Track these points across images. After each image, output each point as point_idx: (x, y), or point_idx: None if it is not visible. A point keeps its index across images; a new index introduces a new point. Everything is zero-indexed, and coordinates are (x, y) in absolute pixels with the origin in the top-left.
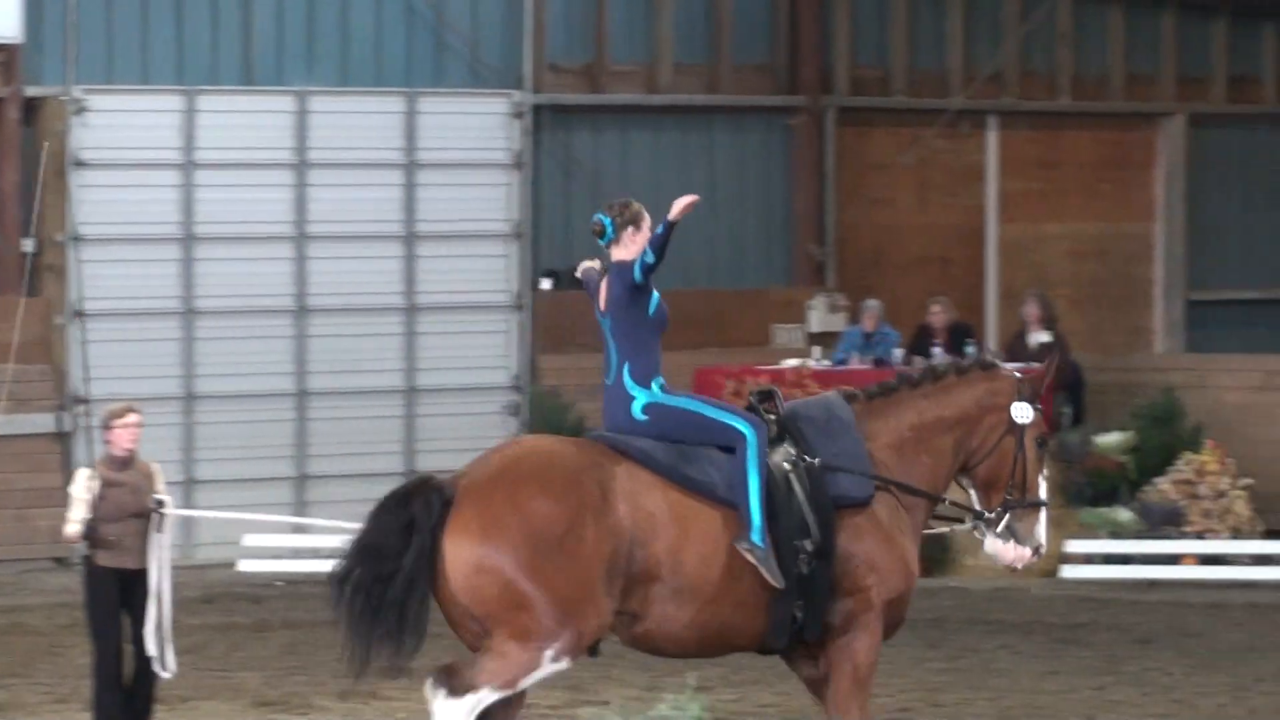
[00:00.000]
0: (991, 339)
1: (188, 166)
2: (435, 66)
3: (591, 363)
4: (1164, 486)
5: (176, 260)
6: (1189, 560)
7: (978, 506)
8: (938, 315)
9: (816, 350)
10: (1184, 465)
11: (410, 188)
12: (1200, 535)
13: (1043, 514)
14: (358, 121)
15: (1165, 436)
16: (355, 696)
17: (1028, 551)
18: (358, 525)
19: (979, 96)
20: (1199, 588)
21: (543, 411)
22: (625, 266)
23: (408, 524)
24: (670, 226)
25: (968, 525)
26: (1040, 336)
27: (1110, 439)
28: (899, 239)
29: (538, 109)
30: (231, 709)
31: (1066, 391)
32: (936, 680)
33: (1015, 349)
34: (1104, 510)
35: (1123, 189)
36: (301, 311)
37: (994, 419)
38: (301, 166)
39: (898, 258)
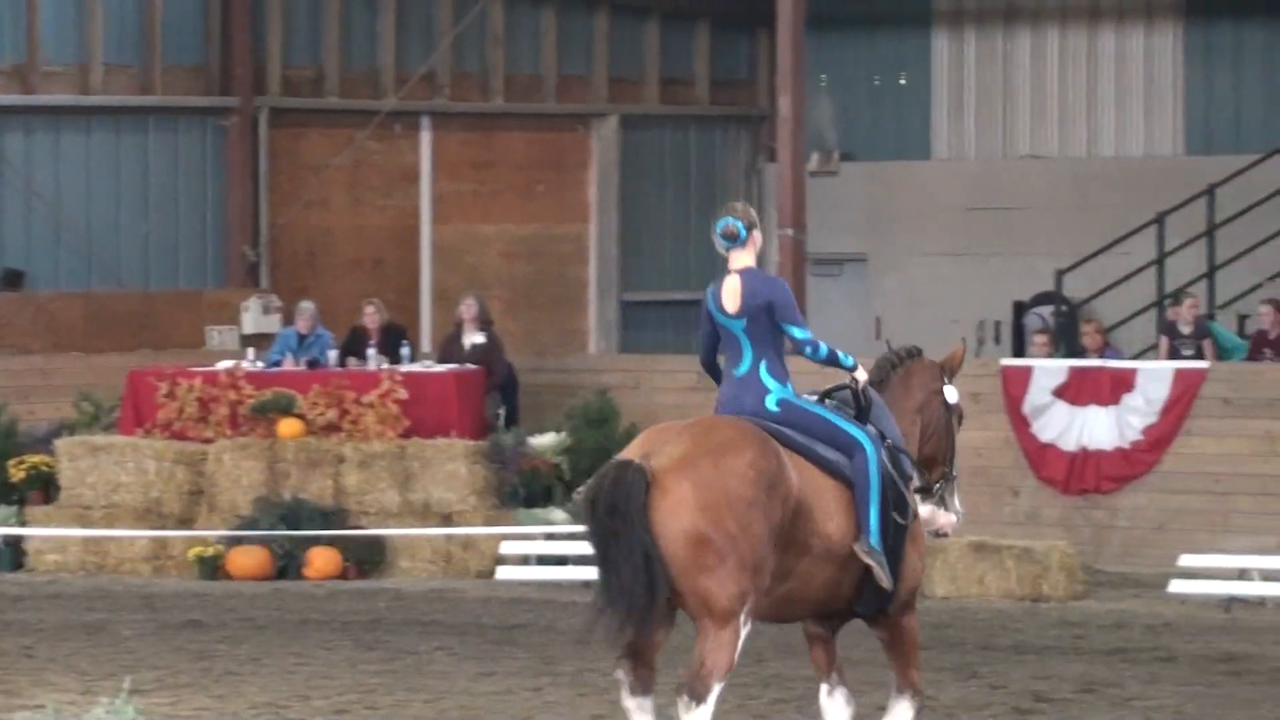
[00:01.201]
0: (426, 340)
1: None
2: None
3: (22, 365)
4: None
5: None
6: None
7: (918, 481)
8: (371, 317)
9: (250, 352)
10: None
11: None
12: None
13: (956, 484)
14: None
15: (599, 438)
16: None
17: (954, 518)
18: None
19: (412, 97)
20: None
21: None
22: (765, 282)
23: (615, 506)
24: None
25: None
26: (475, 338)
27: (545, 440)
28: (333, 240)
29: None
30: None
31: (500, 392)
32: (373, 682)
33: (450, 350)
34: (539, 511)
35: (557, 190)
36: None
37: (937, 401)
38: None
39: (332, 259)
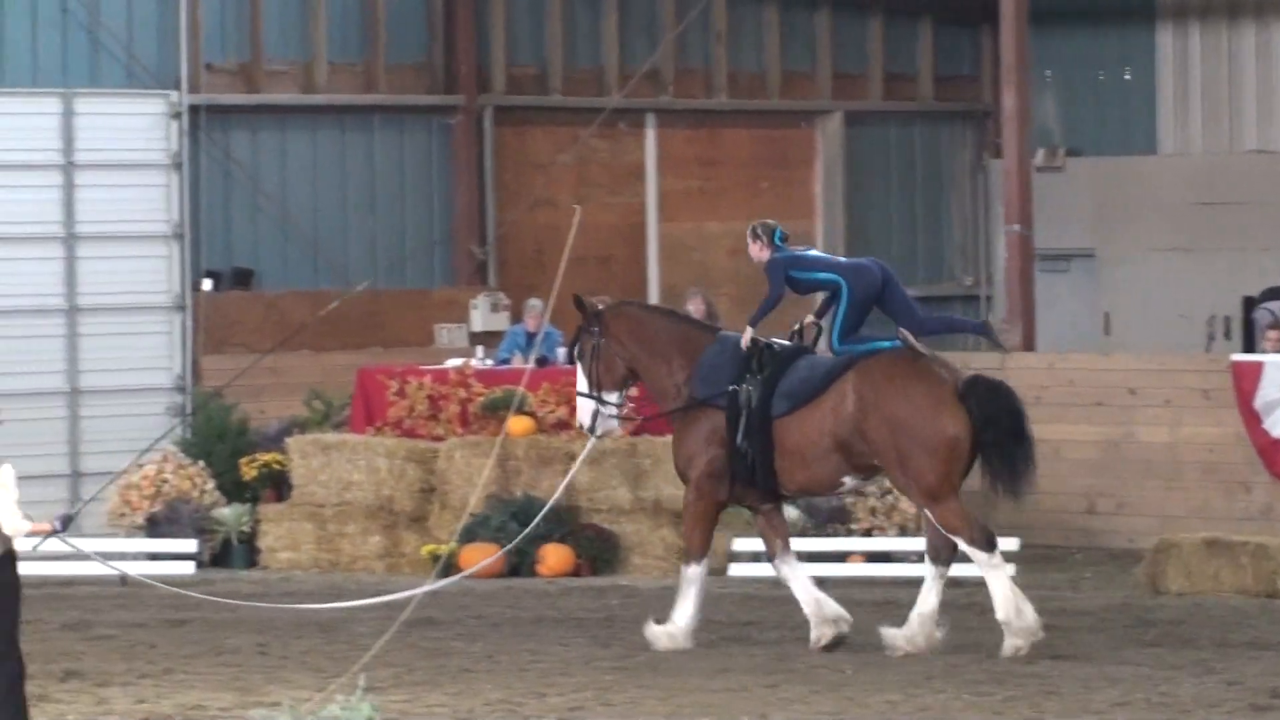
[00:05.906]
0: None
1: None
2: (91, 67)
3: (252, 364)
4: None
5: None
6: (856, 558)
7: None
8: None
9: (479, 350)
10: None
11: (69, 189)
12: (867, 533)
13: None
14: (15, 123)
15: None
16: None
17: None
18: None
19: (636, 95)
20: (867, 585)
21: (206, 412)
22: None
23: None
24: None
25: None
26: None
27: None
28: (560, 238)
29: (195, 109)
30: None
31: None
32: (607, 679)
33: None
34: None
35: (782, 186)
36: None
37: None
38: None
39: (559, 257)
